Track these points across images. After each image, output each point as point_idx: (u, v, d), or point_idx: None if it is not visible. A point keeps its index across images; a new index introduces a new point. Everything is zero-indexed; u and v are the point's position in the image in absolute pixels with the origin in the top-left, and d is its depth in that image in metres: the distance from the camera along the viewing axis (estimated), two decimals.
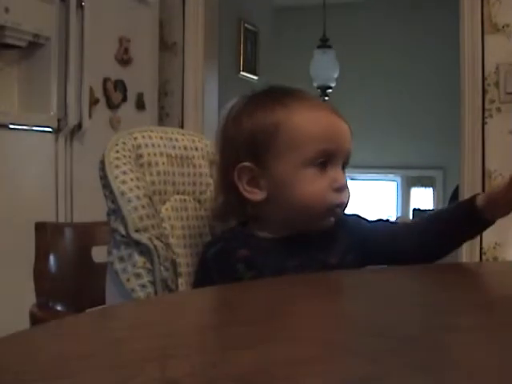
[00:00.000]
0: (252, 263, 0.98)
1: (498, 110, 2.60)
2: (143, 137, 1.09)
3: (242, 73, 4.28)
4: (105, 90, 2.62)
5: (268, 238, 1.02)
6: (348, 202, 1.01)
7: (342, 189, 1.00)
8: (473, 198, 0.99)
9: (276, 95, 1.03)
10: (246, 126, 1.01)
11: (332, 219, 1.02)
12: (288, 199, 0.99)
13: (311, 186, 0.98)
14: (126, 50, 2.73)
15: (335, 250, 1.02)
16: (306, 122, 0.99)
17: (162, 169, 1.09)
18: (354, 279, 0.93)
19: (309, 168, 0.98)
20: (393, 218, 5.47)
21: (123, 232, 0.99)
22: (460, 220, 1.01)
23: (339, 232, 1.04)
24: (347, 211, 1.05)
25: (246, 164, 1.00)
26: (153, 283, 0.99)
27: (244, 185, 1.01)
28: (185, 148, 1.15)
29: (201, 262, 1.04)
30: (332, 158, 0.99)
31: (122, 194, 1.00)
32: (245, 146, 1.00)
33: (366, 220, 1.09)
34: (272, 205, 1.01)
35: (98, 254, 1.19)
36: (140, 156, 1.07)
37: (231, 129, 1.03)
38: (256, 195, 1.01)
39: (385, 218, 1.12)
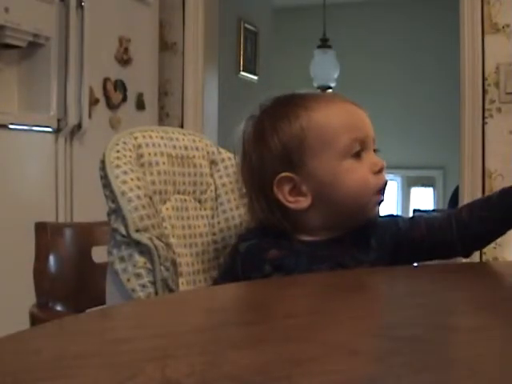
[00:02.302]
0: (280, 266, 0.97)
1: (498, 110, 2.60)
2: (144, 136, 1.09)
3: (241, 73, 4.27)
4: (105, 90, 2.62)
5: (303, 241, 1.01)
6: (386, 183, 1.02)
7: (382, 170, 1.01)
8: None
9: (291, 101, 1.03)
10: (273, 141, 1.00)
11: (377, 208, 1.02)
12: (334, 195, 0.99)
13: (353, 175, 0.98)
14: (126, 50, 2.73)
15: (366, 258, 1.01)
16: (330, 116, 1.00)
17: (163, 168, 1.09)
18: (354, 279, 0.93)
19: (346, 160, 0.98)
20: None
21: (123, 232, 0.99)
22: (507, 206, 1.00)
23: (372, 239, 1.03)
24: (382, 213, 1.04)
25: (284, 174, 0.99)
26: (153, 283, 0.99)
27: (286, 196, 0.99)
28: (185, 148, 1.15)
29: (231, 253, 1.04)
30: (364, 146, 1.00)
31: (123, 193, 0.99)
32: (277, 160, 1.00)
33: (402, 218, 1.08)
34: (317, 208, 1.00)
35: (98, 254, 1.19)
36: (140, 156, 1.07)
37: (255, 151, 1.02)
38: (301, 203, 1.00)
39: (422, 209, 1.11)
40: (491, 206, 1.02)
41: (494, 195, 1.05)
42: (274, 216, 1.01)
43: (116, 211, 1.00)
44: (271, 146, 1.00)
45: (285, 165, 0.99)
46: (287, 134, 1.00)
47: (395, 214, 1.10)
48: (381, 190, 1.01)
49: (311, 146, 0.99)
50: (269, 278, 0.95)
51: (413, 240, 1.04)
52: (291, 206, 1.00)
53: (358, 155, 0.99)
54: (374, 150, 1.02)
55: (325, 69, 5.05)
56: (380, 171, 1.00)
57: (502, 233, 1.04)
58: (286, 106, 1.02)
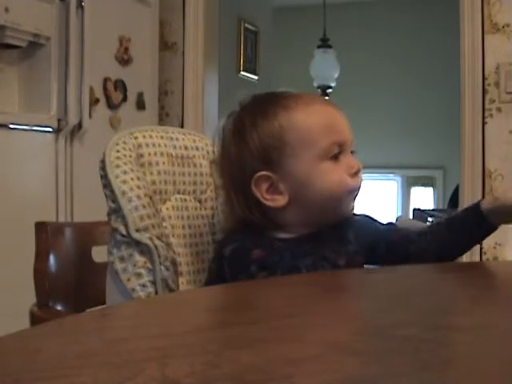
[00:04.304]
0: (265, 264, 0.98)
1: (498, 110, 2.60)
2: (144, 136, 1.09)
3: (242, 73, 4.27)
4: (105, 89, 2.62)
5: (282, 238, 1.02)
6: (361, 185, 1.04)
7: (358, 172, 1.02)
8: (478, 203, 1.02)
9: (271, 99, 1.04)
10: (252, 139, 1.01)
11: (352, 205, 1.04)
12: (311, 195, 1.00)
13: (329, 176, 1.00)
14: (126, 50, 2.73)
15: (344, 251, 1.03)
16: (311, 118, 1.01)
17: (163, 168, 1.09)
18: (353, 279, 0.93)
19: (324, 161, 1.00)
20: (393, 218, 5.47)
21: (124, 232, 0.99)
22: (468, 225, 1.03)
23: (349, 233, 1.05)
24: (356, 211, 1.06)
25: (262, 173, 1.00)
26: (153, 283, 0.99)
27: (264, 194, 1.00)
28: (185, 147, 1.15)
29: (215, 259, 1.04)
30: (342, 148, 1.01)
31: (123, 193, 1.00)
32: (256, 157, 1.00)
33: (377, 221, 1.11)
34: (294, 206, 1.01)
35: (98, 253, 1.19)
36: (141, 155, 1.07)
37: (234, 148, 1.02)
38: (278, 201, 1.01)
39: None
40: (457, 224, 1.06)
41: (460, 212, 1.09)
42: (253, 213, 1.02)
43: (116, 211, 1.00)
44: (250, 144, 1.01)
45: (263, 163, 1.00)
46: (266, 132, 1.00)
47: (369, 215, 1.12)
48: (355, 192, 1.02)
49: (290, 145, 0.99)
50: (268, 278, 0.95)
51: (389, 243, 1.07)
52: (268, 203, 1.01)
53: (335, 157, 1.00)
54: (352, 152, 1.03)
55: (325, 69, 5.05)
56: (356, 173, 1.02)
57: (468, 246, 1.08)
58: (265, 104, 1.03)
